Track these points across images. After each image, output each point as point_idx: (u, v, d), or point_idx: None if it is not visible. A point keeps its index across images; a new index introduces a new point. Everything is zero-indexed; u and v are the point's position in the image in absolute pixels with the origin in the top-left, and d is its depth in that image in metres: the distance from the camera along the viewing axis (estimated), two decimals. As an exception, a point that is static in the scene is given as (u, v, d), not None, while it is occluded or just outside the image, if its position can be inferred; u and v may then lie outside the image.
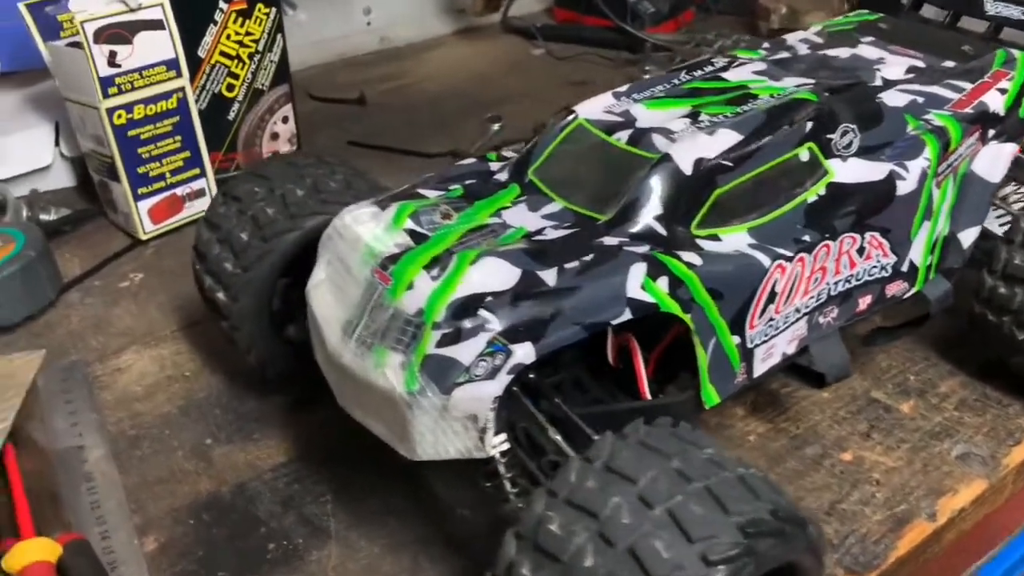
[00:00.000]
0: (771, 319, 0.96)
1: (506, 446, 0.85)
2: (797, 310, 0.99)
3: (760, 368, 0.99)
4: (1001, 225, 1.31)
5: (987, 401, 1.18)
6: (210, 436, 1.15)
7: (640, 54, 2.08)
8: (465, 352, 0.80)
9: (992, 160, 1.11)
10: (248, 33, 1.55)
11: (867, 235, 1.01)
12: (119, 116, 1.39)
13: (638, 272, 0.86)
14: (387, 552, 0.99)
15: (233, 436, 1.15)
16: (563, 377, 1.00)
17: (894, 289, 1.08)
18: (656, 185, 0.92)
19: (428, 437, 0.83)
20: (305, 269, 1.11)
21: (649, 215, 0.91)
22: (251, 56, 1.57)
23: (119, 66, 1.36)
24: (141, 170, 1.45)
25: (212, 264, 1.10)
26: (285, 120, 1.67)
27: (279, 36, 1.60)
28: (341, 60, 2.21)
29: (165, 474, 1.10)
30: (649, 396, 0.95)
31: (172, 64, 1.42)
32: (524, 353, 0.80)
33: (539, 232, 0.92)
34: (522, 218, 0.95)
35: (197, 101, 1.53)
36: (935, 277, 1.12)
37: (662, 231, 0.91)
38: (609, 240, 0.90)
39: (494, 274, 0.84)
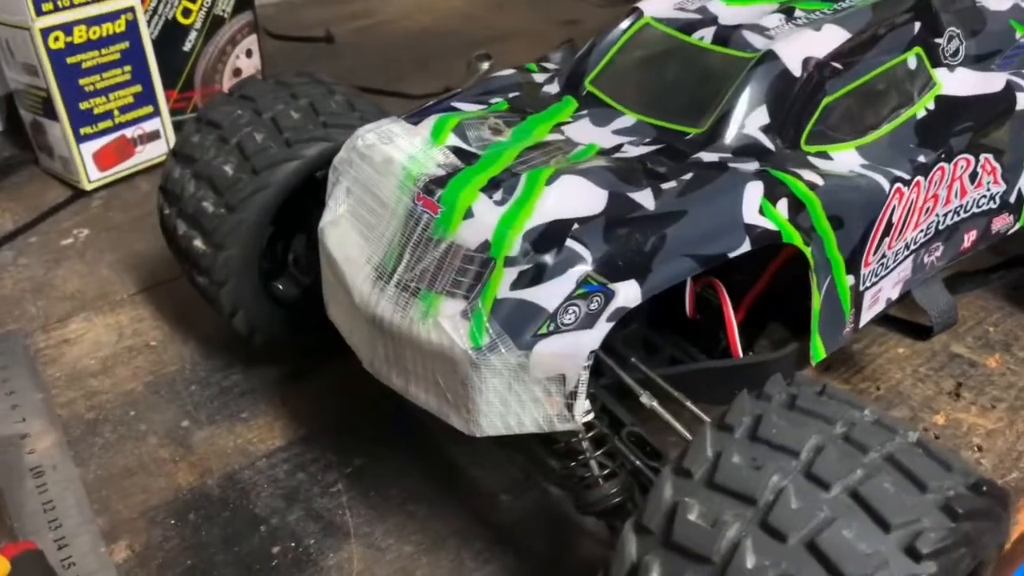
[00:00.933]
0: (883, 256, 0.80)
1: (591, 416, 0.67)
2: (907, 246, 0.83)
3: (866, 316, 0.83)
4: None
5: (1077, 353, 1.05)
6: (187, 417, 0.95)
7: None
8: (551, 294, 0.62)
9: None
10: (207, -53, 1.32)
11: (982, 157, 0.86)
12: (56, 39, 1.16)
13: (754, 192, 0.68)
14: (422, 552, 0.80)
15: (216, 416, 0.95)
16: (632, 332, 0.83)
17: (999, 224, 0.93)
18: (760, 88, 0.74)
19: (497, 406, 0.64)
20: (299, 213, 0.91)
21: (753, 125, 0.74)
22: (210, -25, 1.34)
23: (55, -24, 1.13)
24: (84, 106, 1.22)
25: (187, 205, 0.89)
26: (249, 54, 1.45)
27: (243, -47, 1.37)
28: (304, -2, 1.98)
29: (134, 465, 0.89)
30: (740, 353, 0.78)
31: (119, -23, 1.19)
32: (628, 294, 0.62)
33: (616, 149, 0.74)
34: (589, 134, 0.77)
35: (148, 27, 1.30)
36: (1034, 209, 0.97)
37: (769, 145, 0.74)
38: (709, 156, 0.72)
39: (576, 196, 0.65)
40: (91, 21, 1.18)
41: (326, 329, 0.81)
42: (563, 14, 1.95)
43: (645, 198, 0.66)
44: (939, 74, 0.86)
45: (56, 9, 1.15)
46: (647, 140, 0.75)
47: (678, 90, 0.79)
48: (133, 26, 1.23)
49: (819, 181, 0.72)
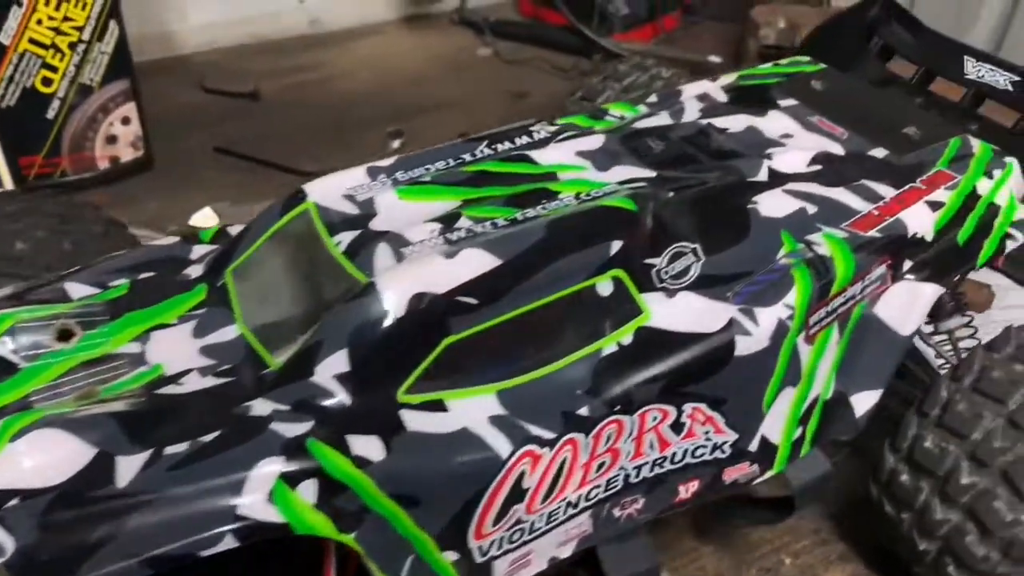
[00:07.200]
0: (519, 521, 0.67)
1: None
2: (572, 504, 0.70)
3: (510, 581, 0.70)
4: (941, 367, 1.00)
5: (877, 612, 0.88)
6: None
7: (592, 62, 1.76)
8: (-44, 587, 0.53)
9: (904, 305, 0.79)
10: (67, 19, 1.28)
11: (686, 407, 0.71)
12: None
13: (267, 473, 0.57)
14: None
15: None
16: None
17: (736, 473, 0.77)
18: (345, 329, 0.63)
19: None
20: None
21: (327, 372, 0.63)
22: (72, 46, 1.30)
23: None
24: (-92, 177, 1.21)
25: None
26: (126, 122, 1.41)
27: (112, 23, 1.33)
28: (257, 43, 1.93)
29: None
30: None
31: (-54, 53, 1.18)
32: (30, 603, 0.53)
33: (177, 377, 0.65)
34: (174, 347, 0.67)
35: (4, 96, 1.28)
36: (809, 453, 0.81)
37: (344, 399, 0.62)
38: (261, 407, 0.62)
39: (46, 458, 0.56)
40: (-87, 95, 1.17)
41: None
42: (518, 83, 1.83)
43: (131, 466, 0.56)
44: (650, 300, 0.72)
45: None
46: (225, 368, 0.65)
47: (288, 307, 0.68)
48: (-36, 99, 1.21)
49: (377, 454, 0.60)
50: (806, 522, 0.96)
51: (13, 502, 0.54)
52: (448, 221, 0.70)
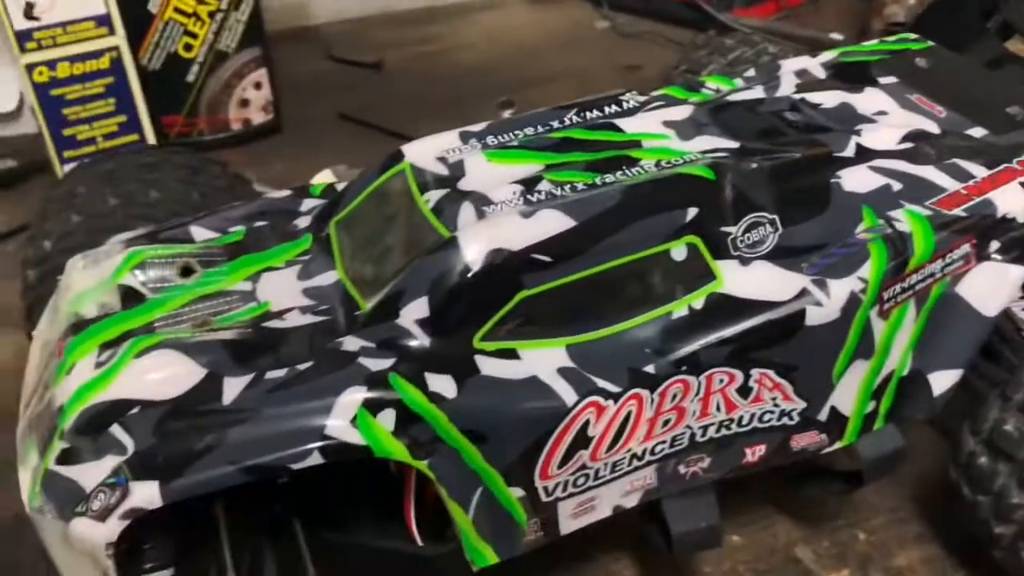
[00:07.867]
0: (584, 466, 0.72)
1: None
2: (637, 456, 0.74)
3: (571, 524, 0.75)
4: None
5: (947, 596, 0.88)
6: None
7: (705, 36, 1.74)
8: (87, 477, 0.62)
9: (988, 285, 0.78)
10: (208, -11, 1.39)
11: (754, 372, 0.73)
12: (40, 73, 1.29)
13: (351, 400, 0.64)
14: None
15: None
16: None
17: (804, 441, 0.79)
18: (426, 278, 0.69)
19: (67, 563, 0.66)
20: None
21: (410, 316, 0.69)
22: (212, 15, 1.41)
23: (37, 19, 1.25)
24: (67, 132, 1.35)
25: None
26: (258, 86, 1.51)
27: (248, -6, 1.43)
28: (384, 15, 2.01)
29: None
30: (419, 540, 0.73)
31: (103, 20, 1.30)
32: (146, 495, 0.61)
33: (281, 314, 0.72)
34: (280, 288, 0.75)
35: (150, 60, 1.41)
36: (882, 427, 0.82)
37: (422, 341, 0.68)
38: (351, 343, 0.68)
39: (161, 375, 0.65)
40: (75, 58, 1.30)
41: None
42: (632, 57, 1.85)
43: (234, 387, 0.64)
44: (725, 267, 0.74)
45: (40, 48, 1.27)
46: (323, 307, 0.72)
47: (381, 256, 0.74)
48: (118, 63, 1.33)
49: (450, 392, 0.66)
50: (884, 499, 0.96)
51: (135, 411, 0.63)
52: (530, 183, 0.74)
